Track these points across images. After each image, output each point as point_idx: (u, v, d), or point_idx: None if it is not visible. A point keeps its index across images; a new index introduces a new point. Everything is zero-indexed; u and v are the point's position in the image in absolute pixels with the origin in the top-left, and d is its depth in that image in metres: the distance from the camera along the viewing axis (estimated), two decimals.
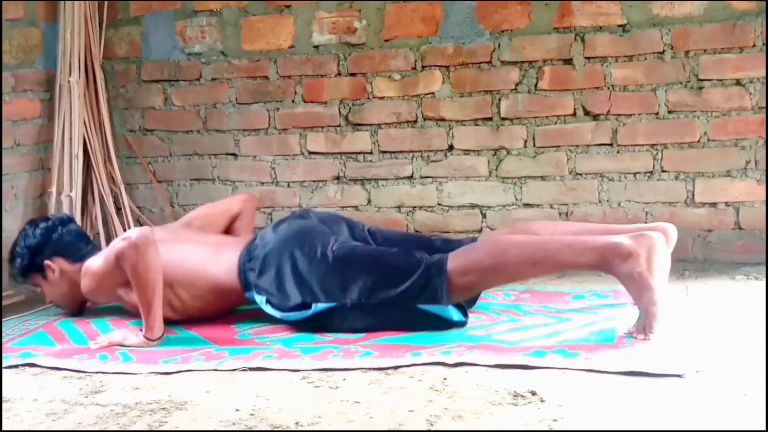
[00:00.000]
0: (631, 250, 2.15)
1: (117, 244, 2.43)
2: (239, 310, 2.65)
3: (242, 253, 2.52)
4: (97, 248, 2.78)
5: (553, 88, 3.15)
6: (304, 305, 2.38)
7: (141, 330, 2.36)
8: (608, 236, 2.23)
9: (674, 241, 2.30)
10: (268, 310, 2.45)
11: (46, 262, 2.64)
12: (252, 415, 1.80)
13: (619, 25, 3.07)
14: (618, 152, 3.11)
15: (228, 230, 2.84)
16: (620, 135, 3.11)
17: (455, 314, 2.32)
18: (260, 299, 2.47)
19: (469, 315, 2.40)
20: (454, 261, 2.30)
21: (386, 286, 2.32)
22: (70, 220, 2.82)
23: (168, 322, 2.44)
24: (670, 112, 3.06)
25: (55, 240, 2.67)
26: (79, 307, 2.75)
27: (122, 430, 1.77)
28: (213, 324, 2.52)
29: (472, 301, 2.49)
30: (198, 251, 2.57)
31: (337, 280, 2.35)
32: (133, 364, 2.19)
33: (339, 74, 3.33)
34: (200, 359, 2.19)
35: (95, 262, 2.53)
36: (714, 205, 3.05)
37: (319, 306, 2.36)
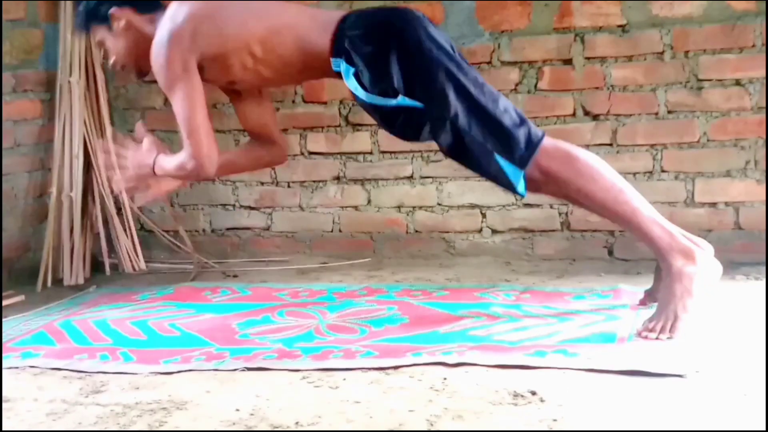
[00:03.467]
0: (698, 258, 2.16)
1: (186, 145, 2.36)
2: (240, 310, 2.66)
3: (341, 19, 2.33)
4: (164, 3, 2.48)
5: (552, 89, 3.15)
6: (389, 95, 2.23)
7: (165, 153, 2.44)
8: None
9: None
10: (352, 84, 2.28)
11: (113, 10, 2.41)
12: (252, 415, 1.80)
13: (619, 26, 3.07)
14: (618, 152, 3.12)
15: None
16: (620, 135, 3.11)
17: (521, 186, 2.23)
18: (347, 70, 2.29)
19: (470, 315, 2.40)
20: (551, 143, 2.23)
21: (481, 117, 2.20)
22: None
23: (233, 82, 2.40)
24: (669, 112, 3.06)
25: None
26: (146, 69, 2.49)
27: (122, 430, 1.77)
28: (214, 324, 2.52)
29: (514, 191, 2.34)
30: (290, 9, 2.41)
31: (436, 86, 2.20)
32: (133, 364, 2.19)
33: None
34: (201, 359, 2.19)
35: (170, 90, 2.37)
36: (714, 205, 3.06)
37: (405, 100, 2.21)
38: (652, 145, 3.09)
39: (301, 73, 2.44)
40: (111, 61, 2.52)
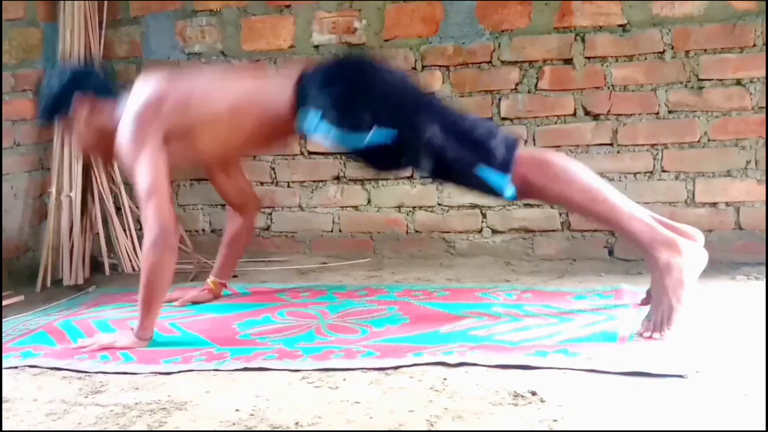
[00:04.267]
0: (682, 248, 2.16)
1: (144, 215, 2.31)
2: (241, 310, 2.66)
3: (298, 76, 2.36)
4: (126, 88, 2.55)
5: (553, 88, 3.15)
6: (362, 128, 2.24)
7: (132, 329, 2.35)
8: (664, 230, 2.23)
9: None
10: (321, 129, 2.29)
11: (76, 97, 2.47)
12: (252, 415, 1.80)
13: (619, 25, 3.07)
14: (618, 152, 3.11)
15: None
16: (620, 135, 3.11)
17: (509, 190, 2.23)
18: (314, 115, 2.29)
19: (471, 315, 2.40)
20: (526, 150, 2.27)
21: (454, 133, 2.22)
22: (95, 65, 2.68)
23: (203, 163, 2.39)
24: (670, 112, 3.06)
25: (85, 78, 2.53)
26: (111, 154, 2.55)
27: (122, 430, 1.77)
28: (214, 324, 2.52)
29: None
30: (247, 79, 2.46)
31: (406, 113, 2.23)
32: (133, 364, 2.18)
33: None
34: (201, 359, 2.19)
35: (134, 162, 2.36)
36: (714, 205, 3.05)
37: (379, 132, 2.22)
38: (653, 145, 3.09)
39: (267, 139, 2.50)
40: (78, 148, 2.57)
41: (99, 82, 2.55)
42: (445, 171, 2.27)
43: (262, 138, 2.47)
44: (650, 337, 2.12)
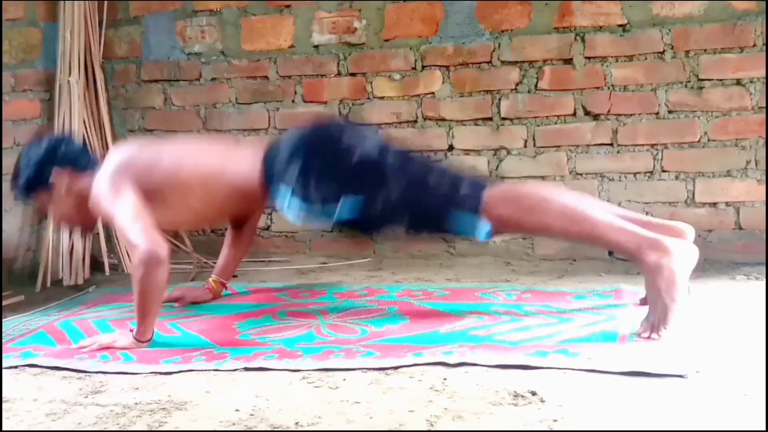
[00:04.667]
0: (669, 247, 2.16)
1: (132, 240, 2.29)
2: (241, 310, 2.66)
3: (266, 150, 2.42)
4: (100, 159, 2.62)
5: (553, 88, 3.15)
6: (332, 200, 2.29)
7: (131, 330, 2.35)
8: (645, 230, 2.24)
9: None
10: (291, 206, 2.34)
11: (53, 174, 2.51)
12: (252, 415, 1.80)
13: (620, 25, 3.07)
14: (618, 152, 3.12)
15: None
16: (620, 135, 3.11)
17: (483, 232, 2.27)
18: (284, 192, 2.35)
19: (471, 315, 2.40)
20: (495, 188, 2.29)
21: (422, 186, 2.27)
22: (71, 137, 2.75)
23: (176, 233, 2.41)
24: (670, 112, 3.06)
25: (61, 152, 2.55)
26: (91, 224, 2.64)
27: (122, 430, 1.77)
28: (214, 324, 2.52)
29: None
30: (217, 152, 2.50)
31: (371, 176, 2.28)
32: (134, 364, 2.18)
33: (339, 74, 3.33)
34: (201, 359, 2.19)
35: (110, 205, 2.39)
36: (714, 205, 3.05)
37: (348, 200, 2.28)
38: (653, 145, 3.09)
39: (239, 209, 2.53)
40: (56, 220, 2.61)
41: (76, 155, 2.59)
42: (417, 225, 2.31)
43: (234, 209, 2.52)
44: (649, 338, 2.12)
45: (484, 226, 2.26)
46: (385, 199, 2.28)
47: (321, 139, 2.36)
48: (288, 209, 2.36)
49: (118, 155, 2.52)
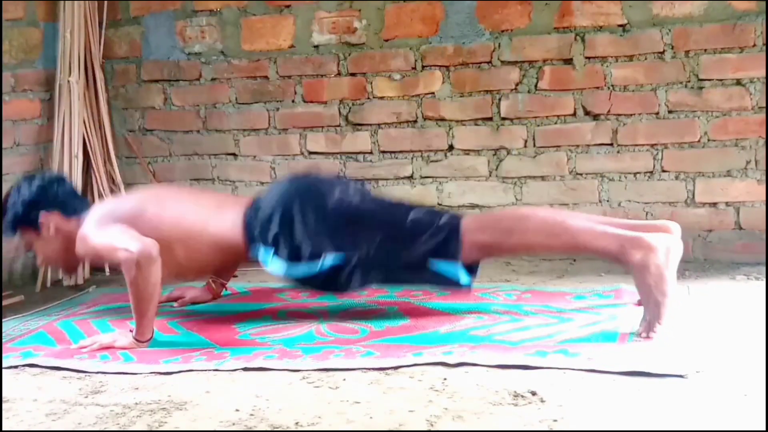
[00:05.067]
0: (652, 243, 2.16)
1: (119, 252, 2.33)
2: (241, 310, 2.65)
3: (247, 208, 2.46)
4: (90, 204, 2.71)
5: (553, 88, 3.15)
6: (312, 258, 2.33)
7: (131, 330, 2.35)
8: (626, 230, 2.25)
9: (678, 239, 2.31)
10: (274, 265, 2.38)
11: (41, 216, 2.57)
12: (252, 415, 1.80)
13: (620, 25, 3.07)
14: (618, 152, 3.11)
15: None
16: (620, 135, 3.11)
17: (463, 276, 2.29)
18: (266, 252, 2.40)
19: (471, 315, 2.40)
20: (470, 218, 2.30)
21: (397, 239, 2.29)
22: (64, 178, 2.79)
23: (168, 289, 2.45)
24: (670, 112, 3.06)
25: (52, 195, 2.60)
26: (74, 266, 2.72)
27: (122, 430, 1.77)
28: (214, 324, 2.52)
29: (472, 271, 2.43)
30: (199, 208, 2.52)
31: (348, 232, 2.31)
32: (134, 364, 2.18)
33: (339, 74, 3.33)
34: (201, 359, 2.19)
35: (96, 237, 2.44)
36: (714, 205, 3.05)
37: (328, 259, 2.32)
38: (653, 145, 3.08)
39: (222, 263, 2.55)
40: (39, 259, 2.67)
41: (65, 199, 2.62)
42: (401, 277, 2.33)
43: (216, 264, 2.54)
44: (647, 337, 2.12)
45: (463, 272, 2.31)
46: (364, 255, 2.32)
47: (299, 198, 2.39)
48: (270, 266, 2.41)
49: (103, 206, 2.57)
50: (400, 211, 2.36)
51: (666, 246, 2.17)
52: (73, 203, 2.62)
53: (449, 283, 2.31)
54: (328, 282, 2.34)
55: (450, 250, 2.27)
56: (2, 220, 2.65)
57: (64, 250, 2.60)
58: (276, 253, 2.38)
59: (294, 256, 2.35)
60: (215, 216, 2.49)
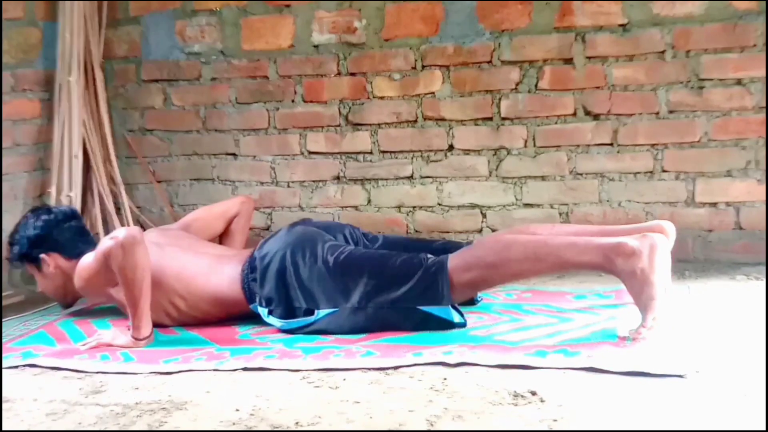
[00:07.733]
0: (634, 248, 2.15)
1: (105, 243, 2.39)
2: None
3: (244, 265, 2.51)
4: (96, 242, 2.73)
5: (553, 88, 3.15)
6: (307, 312, 2.38)
7: (129, 328, 2.36)
8: (610, 237, 2.24)
9: (673, 239, 2.30)
10: (272, 321, 2.44)
11: (42, 255, 2.64)
12: (252, 415, 1.80)
13: (620, 25, 3.07)
14: (618, 152, 3.11)
15: (225, 231, 2.87)
16: (621, 135, 3.11)
17: (456, 316, 2.32)
18: (263, 311, 2.46)
19: (472, 315, 2.40)
20: (455, 259, 2.31)
21: (387, 288, 2.32)
22: (74, 215, 2.80)
23: (161, 325, 2.46)
24: (670, 111, 3.05)
25: (55, 235, 2.65)
26: (72, 301, 2.76)
27: (122, 430, 1.77)
28: (214, 324, 2.52)
29: (471, 302, 2.50)
30: (199, 262, 2.55)
31: (338, 284, 2.35)
32: (134, 364, 2.18)
33: (339, 74, 3.33)
34: (201, 359, 2.19)
35: (86, 261, 2.51)
36: (714, 205, 3.05)
37: (321, 312, 2.36)
38: (653, 145, 3.08)
39: (223, 314, 2.55)
40: (39, 289, 2.76)
41: (68, 242, 2.66)
42: (393, 325, 2.33)
43: (217, 314, 2.55)
44: (634, 339, 2.11)
45: (456, 313, 2.32)
46: (354, 308, 2.35)
47: (292, 255, 2.41)
48: (268, 320, 2.45)
49: (101, 251, 2.53)
50: (391, 257, 2.39)
51: (649, 249, 2.15)
52: (77, 244, 2.66)
53: (443, 325, 2.32)
54: (325, 332, 2.37)
55: (439, 296, 2.29)
56: (9, 235, 2.74)
57: (63, 287, 2.69)
58: (271, 313, 2.44)
59: (288, 314, 2.40)
60: (215, 270, 2.54)
